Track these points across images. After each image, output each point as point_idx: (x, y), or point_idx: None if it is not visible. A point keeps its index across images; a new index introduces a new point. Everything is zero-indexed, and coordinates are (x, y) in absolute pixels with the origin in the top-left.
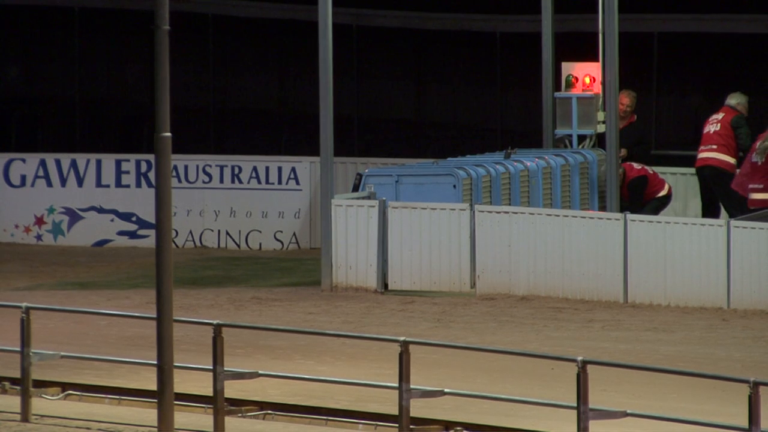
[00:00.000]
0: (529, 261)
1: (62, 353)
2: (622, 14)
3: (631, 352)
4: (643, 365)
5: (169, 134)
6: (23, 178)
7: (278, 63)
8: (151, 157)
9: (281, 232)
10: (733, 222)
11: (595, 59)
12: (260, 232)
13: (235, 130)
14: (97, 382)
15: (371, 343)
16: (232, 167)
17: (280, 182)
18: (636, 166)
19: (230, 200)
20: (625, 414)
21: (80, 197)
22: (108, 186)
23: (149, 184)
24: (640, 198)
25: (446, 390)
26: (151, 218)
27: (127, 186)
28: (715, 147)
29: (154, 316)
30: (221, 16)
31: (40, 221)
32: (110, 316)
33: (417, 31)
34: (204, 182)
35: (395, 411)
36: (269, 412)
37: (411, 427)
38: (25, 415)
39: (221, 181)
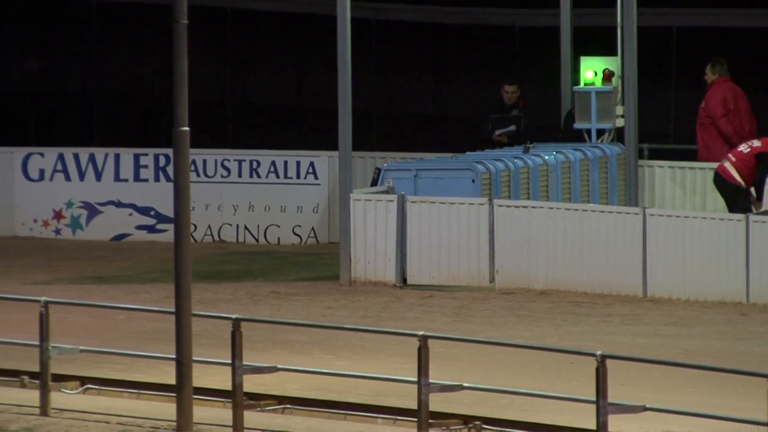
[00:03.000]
0: (548, 255)
1: (81, 347)
2: (641, 8)
3: (650, 346)
4: (662, 359)
5: (187, 128)
6: (41, 172)
7: (296, 57)
8: (169, 152)
9: (300, 226)
10: (752, 216)
11: (613, 53)
12: (279, 226)
13: (254, 125)
14: (116, 376)
15: (390, 337)
16: (251, 161)
17: (298, 177)
18: None
19: (249, 195)
20: (644, 408)
21: (99, 191)
22: (126, 180)
23: (168, 179)
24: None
25: (465, 384)
26: (169, 212)
27: (146, 180)
28: (735, 161)
29: (173, 310)
30: (240, 10)
31: (58, 215)
32: (129, 311)
33: (436, 25)
34: (222, 176)
35: (414, 405)
36: (288, 406)
37: (430, 421)
38: (44, 409)
39: (240, 175)
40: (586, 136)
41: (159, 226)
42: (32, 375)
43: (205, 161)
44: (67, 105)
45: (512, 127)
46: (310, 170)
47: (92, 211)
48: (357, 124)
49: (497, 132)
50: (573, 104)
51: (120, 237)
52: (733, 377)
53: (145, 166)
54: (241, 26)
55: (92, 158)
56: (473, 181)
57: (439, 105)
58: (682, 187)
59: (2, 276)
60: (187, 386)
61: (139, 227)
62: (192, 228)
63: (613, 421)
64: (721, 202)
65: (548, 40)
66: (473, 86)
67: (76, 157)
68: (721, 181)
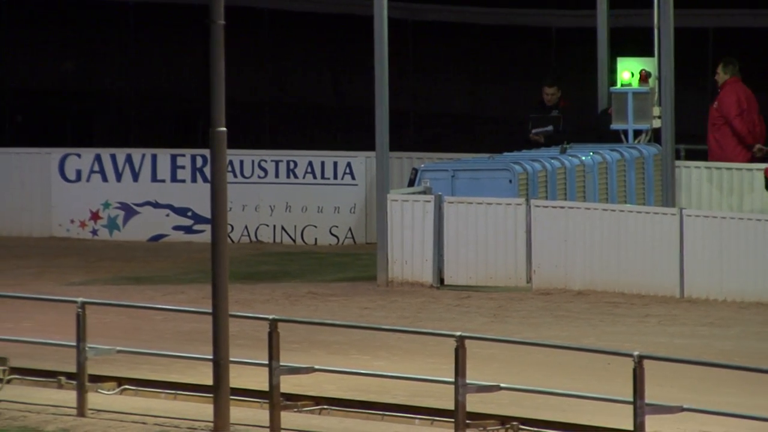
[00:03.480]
0: (585, 256)
1: (118, 348)
2: (677, 9)
3: (687, 347)
4: (699, 360)
5: (224, 129)
6: (78, 172)
7: (333, 58)
8: (206, 152)
9: (337, 227)
10: None
11: (650, 54)
12: (316, 227)
13: (291, 125)
14: (153, 376)
15: (427, 338)
16: (288, 162)
17: (335, 177)
18: None
19: (286, 195)
20: (682, 409)
21: (136, 192)
22: (163, 181)
23: (205, 179)
24: None
25: (502, 385)
26: (206, 213)
27: (183, 181)
28: None
29: (210, 311)
30: (276, 10)
31: (95, 216)
32: (166, 311)
33: (472, 25)
34: (259, 177)
35: (451, 406)
36: (325, 407)
37: (467, 421)
38: (81, 410)
39: (276, 176)
40: (623, 136)
41: (196, 227)
42: (69, 376)
43: (242, 162)
44: (104, 105)
45: (549, 127)
46: (347, 170)
47: (129, 211)
48: (394, 125)
49: (533, 131)
50: (609, 104)
51: (157, 238)
52: None
53: (183, 167)
54: (278, 27)
55: (129, 159)
56: (510, 181)
57: (475, 105)
58: (718, 188)
59: (39, 277)
60: (224, 387)
61: (176, 228)
62: (229, 229)
63: (651, 422)
64: (758, 203)
65: (585, 41)
66: (510, 87)
67: (113, 157)
68: None
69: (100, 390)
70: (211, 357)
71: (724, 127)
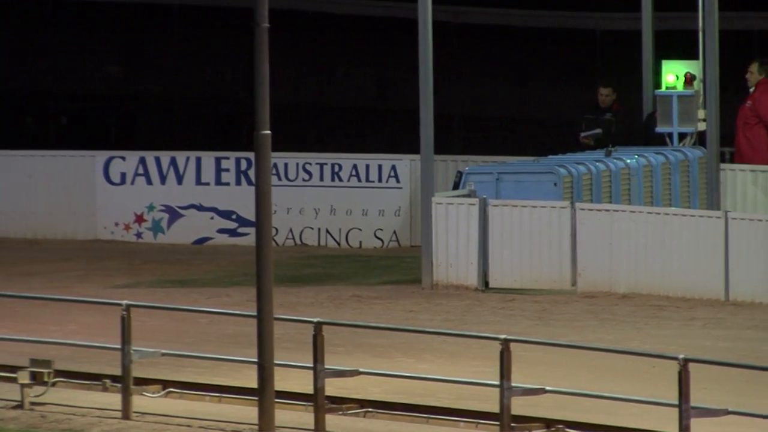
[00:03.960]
0: (630, 259)
1: (163, 351)
2: (722, 12)
3: (732, 350)
4: (744, 363)
5: (268, 132)
6: (123, 175)
7: (378, 60)
8: (251, 155)
9: (381, 230)
10: None
11: (695, 57)
12: (360, 230)
13: (335, 128)
14: (198, 379)
15: (472, 341)
16: (332, 165)
17: (380, 180)
18: None
19: (330, 198)
20: (727, 412)
21: (180, 195)
22: (208, 184)
23: (249, 182)
24: None
25: (547, 388)
26: (251, 216)
27: (227, 184)
28: None
29: (255, 313)
30: (320, 13)
31: (140, 219)
32: (211, 314)
33: (517, 28)
34: (304, 180)
35: (496, 409)
36: (370, 410)
37: (512, 425)
38: (126, 413)
39: (321, 178)
40: (667, 139)
41: (240, 230)
42: (114, 378)
43: (286, 165)
44: (148, 108)
45: (598, 130)
46: (392, 173)
47: (174, 214)
48: (439, 128)
49: (582, 134)
50: (654, 107)
51: (201, 241)
52: None
53: (227, 170)
54: (322, 29)
55: (173, 162)
56: (555, 184)
57: (520, 108)
58: (763, 191)
59: (84, 279)
60: (268, 390)
61: (221, 231)
62: (273, 231)
63: (696, 425)
64: None
65: (630, 43)
66: (554, 90)
67: (158, 160)
68: None
69: (144, 393)
70: (255, 360)
71: (757, 126)
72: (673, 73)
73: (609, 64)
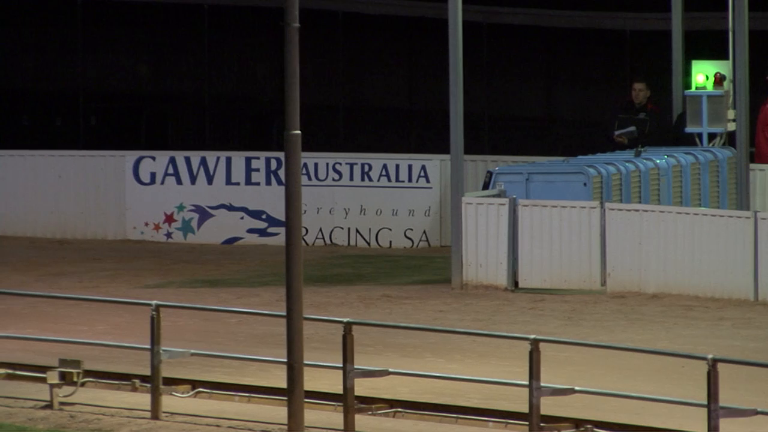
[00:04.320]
0: (659, 259)
1: (192, 351)
2: (752, 12)
3: (761, 350)
4: None
5: (299, 132)
6: (153, 175)
7: (408, 60)
8: (281, 155)
9: (411, 229)
10: None
11: (724, 57)
12: (390, 229)
13: (365, 128)
14: (227, 379)
15: (501, 341)
16: (362, 165)
17: (410, 180)
18: None
19: (360, 198)
20: (756, 412)
21: (210, 195)
22: (238, 184)
23: (279, 182)
24: None
25: (576, 388)
26: (281, 216)
27: (257, 184)
28: None
29: (284, 313)
30: (351, 13)
31: (169, 219)
32: (240, 314)
33: (547, 28)
34: (334, 180)
35: (525, 409)
36: (399, 410)
37: (541, 425)
38: (155, 413)
39: (351, 178)
40: (697, 139)
41: (270, 230)
42: (143, 378)
43: (316, 164)
44: (178, 108)
45: (632, 128)
46: (422, 173)
47: (203, 214)
48: (469, 128)
49: (616, 132)
50: (684, 107)
51: (231, 240)
52: None
53: (257, 170)
54: (352, 29)
55: (203, 162)
56: (585, 184)
57: (550, 108)
58: None
59: (114, 279)
60: (298, 390)
61: (251, 231)
62: (303, 231)
63: (724, 425)
64: None
65: (659, 44)
66: (584, 90)
67: (188, 160)
68: None
69: (173, 393)
70: (285, 360)
71: None
72: (702, 74)
73: (639, 64)
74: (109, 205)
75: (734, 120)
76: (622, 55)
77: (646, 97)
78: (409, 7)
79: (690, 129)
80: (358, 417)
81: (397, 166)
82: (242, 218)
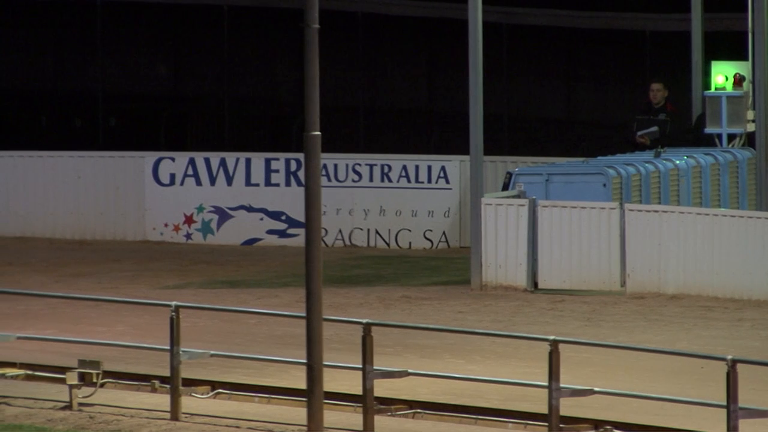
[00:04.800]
0: (678, 260)
1: (212, 352)
2: None
3: None
4: None
5: (318, 133)
6: (172, 176)
7: (427, 61)
8: (300, 156)
9: (431, 230)
10: None
11: (744, 58)
12: (410, 230)
13: (385, 129)
14: (247, 380)
15: (521, 341)
16: (382, 166)
17: (429, 181)
18: None
19: (380, 199)
20: None
21: (229, 196)
22: (257, 185)
23: (299, 183)
24: None
25: (596, 389)
26: (300, 217)
27: (277, 185)
28: None
29: (304, 314)
30: (370, 14)
31: (189, 220)
32: (259, 315)
33: (567, 29)
34: (353, 181)
35: (545, 410)
36: (419, 410)
37: (560, 425)
38: (174, 414)
39: (371, 179)
40: (716, 140)
41: (290, 231)
42: (163, 379)
43: (336, 166)
44: (198, 109)
45: (654, 128)
46: (442, 174)
47: (223, 215)
48: (488, 129)
49: (639, 133)
50: (703, 108)
51: (251, 241)
52: None
53: (276, 171)
54: (372, 30)
55: (223, 163)
56: (604, 185)
57: (570, 109)
58: None
59: (133, 280)
60: (317, 391)
61: (270, 232)
62: (323, 232)
63: (744, 426)
64: None
65: (679, 44)
66: (604, 90)
67: (207, 161)
68: None
69: (193, 394)
70: (304, 361)
71: None
72: (722, 74)
73: (658, 65)
74: (128, 206)
75: (754, 121)
76: (642, 55)
77: (664, 98)
78: (429, 8)
79: (709, 130)
80: (377, 418)
81: (417, 167)
82: (262, 219)
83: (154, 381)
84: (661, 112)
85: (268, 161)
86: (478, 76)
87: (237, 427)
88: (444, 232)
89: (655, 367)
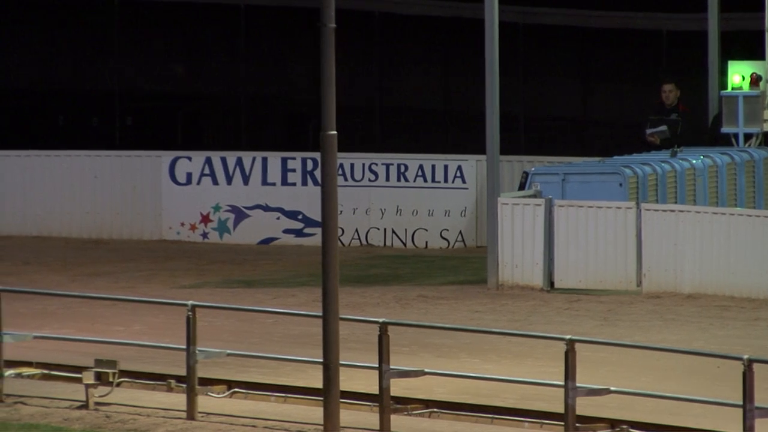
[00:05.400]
0: (695, 259)
1: (228, 351)
2: None
3: None
4: None
5: (335, 132)
6: (189, 176)
7: (444, 61)
8: (317, 155)
9: (447, 230)
10: None
11: (761, 57)
12: (426, 230)
13: (401, 128)
14: (263, 380)
15: (537, 341)
16: (398, 165)
17: (446, 180)
18: None
19: (396, 198)
20: None
21: (246, 195)
22: (274, 184)
23: (315, 183)
24: None
25: (612, 388)
26: (317, 216)
27: (293, 184)
28: None
29: (320, 314)
30: (387, 13)
31: (205, 219)
32: (276, 314)
33: (583, 29)
34: (370, 180)
35: (561, 409)
36: (435, 410)
37: (577, 425)
38: (190, 413)
39: (387, 179)
40: (733, 140)
41: (306, 230)
42: (179, 379)
43: (352, 165)
44: (214, 108)
45: (663, 127)
46: (458, 174)
47: (240, 214)
48: (504, 128)
49: (648, 131)
50: (720, 108)
51: (267, 241)
52: None
53: (293, 170)
54: (388, 30)
55: (239, 162)
56: (621, 184)
57: (586, 108)
58: None
59: (150, 280)
60: (334, 390)
61: (287, 231)
62: (339, 232)
63: (760, 425)
64: None
65: (695, 44)
66: (620, 90)
67: (224, 160)
68: None
69: (209, 393)
70: (321, 360)
71: None
72: (739, 74)
73: (674, 64)
74: (145, 206)
75: None
76: (658, 55)
77: (677, 98)
78: (445, 8)
79: (726, 129)
80: (393, 417)
81: (433, 167)
82: (278, 218)
83: (170, 380)
84: (673, 112)
85: (284, 160)
86: (494, 76)
87: (253, 426)
88: (460, 232)
89: (671, 366)
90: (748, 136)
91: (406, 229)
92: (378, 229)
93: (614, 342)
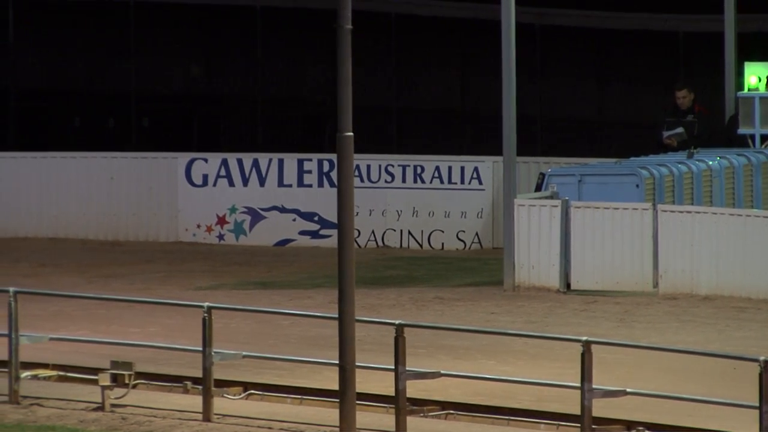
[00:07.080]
0: (711, 260)
1: (244, 353)
2: None
3: None
4: None
5: (351, 134)
6: (205, 177)
7: (460, 62)
8: (333, 157)
9: (464, 231)
10: None
11: None
12: (443, 231)
13: (418, 130)
14: (279, 381)
15: (553, 342)
16: (415, 167)
17: (462, 182)
18: None
19: (412, 200)
20: None
21: (262, 197)
22: (290, 186)
23: (331, 184)
24: None
25: (628, 390)
26: (333, 218)
27: (309, 186)
28: None
29: (336, 315)
30: (403, 15)
31: (222, 221)
32: (292, 316)
33: (599, 30)
34: (386, 182)
35: (577, 411)
36: (451, 411)
37: (593, 426)
38: (206, 415)
39: (403, 180)
40: (749, 141)
41: (322, 232)
42: (195, 380)
43: (369, 166)
44: (230, 110)
45: (680, 129)
46: (475, 175)
47: (256, 216)
48: (521, 129)
49: (665, 134)
50: (736, 109)
51: (283, 242)
52: None
53: (309, 172)
54: (405, 31)
55: (256, 163)
56: (637, 186)
57: (602, 110)
58: None
59: (166, 281)
60: (350, 392)
61: (303, 233)
62: (356, 233)
63: None
64: None
65: (712, 45)
66: (637, 91)
67: (240, 162)
68: None
69: (225, 395)
70: (337, 362)
71: None
72: (755, 75)
73: (691, 66)
74: (161, 207)
75: None
76: (675, 56)
77: (692, 101)
78: (462, 9)
79: (742, 130)
80: (409, 419)
81: (450, 168)
82: (294, 220)
83: (186, 382)
84: (689, 113)
85: (300, 162)
86: (510, 77)
87: (269, 428)
88: (477, 233)
89: (687, 367)
90: (764, 138)
91: (422, 231)
92: (394, 230)
93: (630, 343)
